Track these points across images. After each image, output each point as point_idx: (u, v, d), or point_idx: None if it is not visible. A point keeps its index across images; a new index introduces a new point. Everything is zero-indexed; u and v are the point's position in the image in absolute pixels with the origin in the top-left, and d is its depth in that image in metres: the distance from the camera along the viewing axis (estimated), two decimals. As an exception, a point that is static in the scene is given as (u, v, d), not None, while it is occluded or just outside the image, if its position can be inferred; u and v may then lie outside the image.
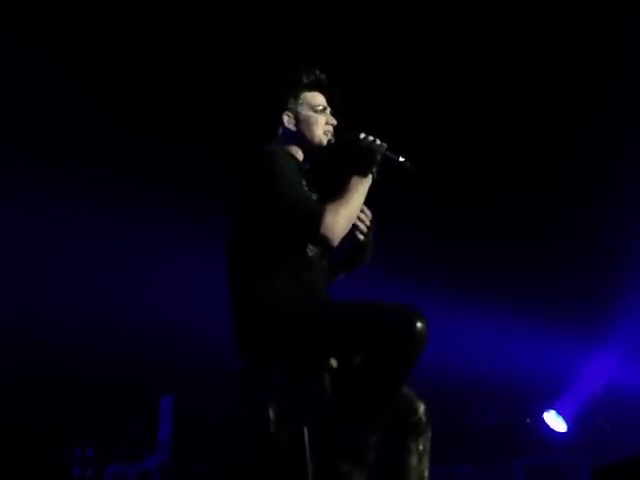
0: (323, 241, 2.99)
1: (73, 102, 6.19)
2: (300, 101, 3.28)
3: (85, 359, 6.06)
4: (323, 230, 2.94)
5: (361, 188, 3.06)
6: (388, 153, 3.12)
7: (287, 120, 3.27)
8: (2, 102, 6.04)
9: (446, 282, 6.57)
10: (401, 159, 3.13)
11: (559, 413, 6.85)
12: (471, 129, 6.73)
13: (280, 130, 3.29)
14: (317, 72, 3.32)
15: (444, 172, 6.74)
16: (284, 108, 3.28)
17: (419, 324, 2.78)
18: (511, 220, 6.89)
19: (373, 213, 3.23)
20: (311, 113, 3.27)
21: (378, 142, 3.12)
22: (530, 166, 6.82)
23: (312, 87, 3.31)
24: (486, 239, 6.90)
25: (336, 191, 3.04)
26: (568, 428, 6.85)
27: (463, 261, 6.83)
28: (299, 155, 3.28)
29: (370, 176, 3.08)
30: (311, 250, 3.13)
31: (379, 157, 3.09)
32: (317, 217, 2.94)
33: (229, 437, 5.33)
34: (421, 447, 3.02)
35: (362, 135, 3.14)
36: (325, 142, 3.27)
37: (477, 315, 6.60)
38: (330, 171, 3.16)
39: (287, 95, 3.29)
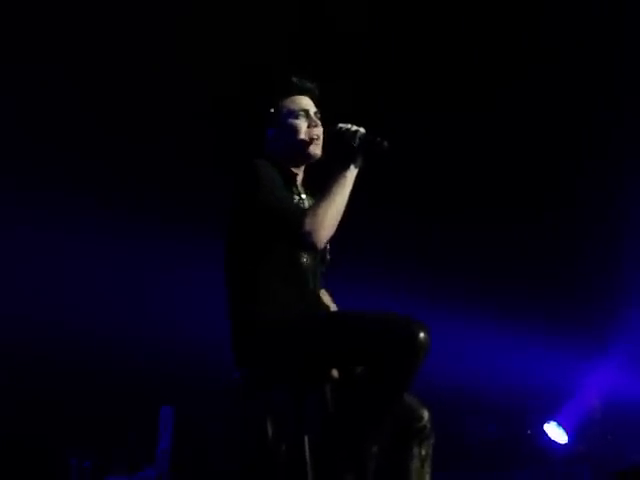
0: (308, 246, 2.94)
1: (85, 121, 6.21)
2: (279, 110, 3.16)
3: (84, 370, 6.03)
4: (305, 235, 2.88)
5: (343, 181, 2.95)
6: (365, 137, 2.97)
7: (269, 132, 3.18)
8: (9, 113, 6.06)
9: (447, 294, 6.56)
10: (378, 139, 2.97)
11: (560, 424, 6.83)
12: (467, 136, 6.74)
13: (266, 145, 3.19)
14: (292, 77, 3.20)
15: (446, 182, 6.76)
16: (266, 121, 3.18)
17: (422, 334, 2.76)
18: (513, 234, 6.90)
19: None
20: (291, 120, 3.14)
21: (354, 128, 2.99)
22: (533, 181, 6.83)
23: (290, 93, 3.18)
24: (488, 252, 6.91)
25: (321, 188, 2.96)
26: (569, 439, 6.82)
27: (465, 273, 6.82)
28: (289, 165, 3.17)
29: (352, 166, 2.97)
30: (306, 259, 3.07)
31: (356, 144, 2.97)
32: (298, 223, 2.88)
33: (228, 448, 5.31)
34: (424, 452, 3.02)
35: (340, 125, 3.01)
36: (316, 152, 3.13)
37: (478, 327, 6.59)
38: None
39: (267, 107, 3.18)
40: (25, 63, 6.11)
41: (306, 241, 2.90)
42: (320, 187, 3.00)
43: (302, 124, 3.14)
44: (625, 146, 6.69)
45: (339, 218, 2.94)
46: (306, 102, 3.19)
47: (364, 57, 6.64)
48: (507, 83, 6.64)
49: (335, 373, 2.96)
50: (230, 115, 6.19)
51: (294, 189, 3.15)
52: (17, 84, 6.10)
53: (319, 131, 3.16)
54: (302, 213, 2.92)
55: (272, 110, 3.17)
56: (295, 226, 2.89)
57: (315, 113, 3.18)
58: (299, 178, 3.21)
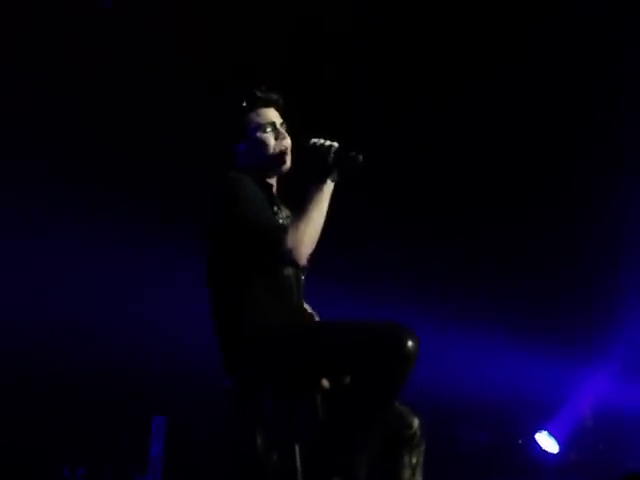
0: (289, 263, 2.98)
1: (84, 121, 6.23)
2: (247, 125, 3.20)
3: (77, 378, 6.01)
4: (286, 254, 2.91)
5: (320, 197, 2.96)
6: (339, 152, 2.98)
7: (240, 147, 3.22)
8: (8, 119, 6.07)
9: (439, 301, 6.57)
10: (352, 154, 2.98)
11: (551, 434, 6.83)
12: (462, 135, 6.75)
13: (238, 159, 3.23)
14: (256, 91, 3.22)
15: (441, 182, 6.76)
16: (236, 137, 3.22)
17: (410, 342, 2.77)
18: (505, 240, 6.89)
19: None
20: (258, 134, 3.18)
21: (328, 143, 3.00)
22: (531, 181, 6.83)
23: (256, 106, 3.21)
24: (480, 258, 6.90)
25: (299, 204, 2.98)
26: (560, 449, 6.82)
27: (456, 280, 6.82)
28: (262, 177, 3.20)
29: (328, 182, 2.98)
30: (286, 271, 3.10)
31: (330, 159, 2.97)
32: (278, 242, 2.91)
33: (220, 457, 5.30)
34: (414, 460, 3.04)
35: (313, 140, 3.02)
36: (286, 165, 3.18)
37: (469, 335, 6.58)
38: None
39: (236, 123, 3.22)
40: (24, 64, 6.11)
41: (287, 259, 2.93)
42: (294, 197, 3.03)
43: (270, 138, 3.18)
44: (623, 146, 6.69)
45: (318, 234, 2.97)
46: (272, 114, 3.22)
47: (359, 56, 6.64)
48: (504, 83, 6.64)
49: (325, 383, 2.98)
50: (230, 115, 6.19)
51: (272, 200, 3.19)
52: (17, 84, 6.10)
53: (287, 143, 3.20)
54: (282, 231, 2.93)
55: (243, 124, 3.20)
56: (276, 245, 2.91)
57: (281, 124, 3.22)
58: (273, 189, 3.25)
